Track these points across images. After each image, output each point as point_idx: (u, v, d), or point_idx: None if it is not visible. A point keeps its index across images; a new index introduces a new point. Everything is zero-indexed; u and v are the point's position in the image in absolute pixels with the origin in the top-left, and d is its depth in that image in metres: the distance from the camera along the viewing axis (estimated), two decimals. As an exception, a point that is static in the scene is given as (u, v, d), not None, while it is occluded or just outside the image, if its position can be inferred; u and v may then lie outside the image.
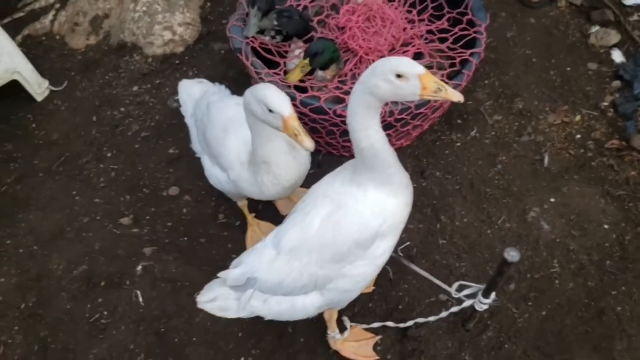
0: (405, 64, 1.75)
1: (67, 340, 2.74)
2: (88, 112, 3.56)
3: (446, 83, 2.74)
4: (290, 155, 2.31)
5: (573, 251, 2.88)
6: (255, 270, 2.14)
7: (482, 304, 2.37)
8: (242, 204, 2.88)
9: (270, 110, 2.01)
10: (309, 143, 2.02)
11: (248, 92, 2.09)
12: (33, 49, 3.87)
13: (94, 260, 2.98)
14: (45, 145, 3.44)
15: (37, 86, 3.57)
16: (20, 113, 3.58)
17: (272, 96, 2.01)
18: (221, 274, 2.25)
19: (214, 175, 2.61)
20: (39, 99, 3.61)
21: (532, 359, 2.58)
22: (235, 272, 2.19)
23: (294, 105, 2.39)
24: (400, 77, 1.74)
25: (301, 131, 2.02)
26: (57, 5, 4.02)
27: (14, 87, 3.49)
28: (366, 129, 1.88)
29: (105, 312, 2.81)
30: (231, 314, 2.27)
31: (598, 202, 3.03)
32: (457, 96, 1.79)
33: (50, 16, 3.97)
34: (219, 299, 2.27)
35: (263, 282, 2.14)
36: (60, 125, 3.52)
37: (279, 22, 3.00)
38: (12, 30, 3.78)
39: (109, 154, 3.37)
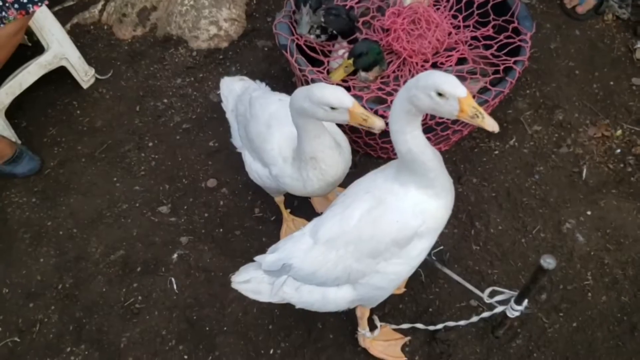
0: (447, 83, 1.75)
1: (101, 322, 2.81)
2: (132, 102, 3.63)
3: (489, 89, 2.77)
4: (336, 151, 2.34)
5: (607, 265, 2.85)
6: (291, 257, 2.16)
7: (514, 311, 2.36)
8: (279, 200, 2.91)
9: (333, 108, 2.04)
10: (379, 122, 2.03)
11: (300, 96, 2.08)
12: (81, 37, 3.95)
13: (131, 246, 3.04)
14: (89, 131, 3.51)
15: (84, 74, 3.65)
16: (66, 99, 3.66)
17: (332, 95, 2.01)
18: (257, 258, 2.27)
19: (255, 170, 2.63)
20: (84, 86, 3.69)
21: (561, 370, 2.58)
22: (271, 257, 2.21)
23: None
24: (441, 95, 1.76)
25: (369, 114, 2.04)
26: (107, -4, 4.12)
27: (62, 74, 3.57)
28: (403, 134, 1.91)
29: (139, 297, 2.87)
30: (263, 298, 2.29)
31: (635, 218, 3.00)
32: (492, 126, 1.79)
33: (99, 6, 4.05)
34: (253, 281, 2.30)
35: (298, 269, 2.15)
36: (104, 113, 3.59)
37: (326, 19, 3.02)
38: (62, 18, 3.84)
39: (150, 144, 3.43)
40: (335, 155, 2.34)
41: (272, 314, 2.78)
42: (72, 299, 2.89)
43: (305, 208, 3.08)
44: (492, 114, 3.22)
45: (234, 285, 2.32)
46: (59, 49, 3.45)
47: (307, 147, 2.26)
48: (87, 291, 2.91)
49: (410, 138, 1.90)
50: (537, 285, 2.16)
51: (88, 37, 3.98)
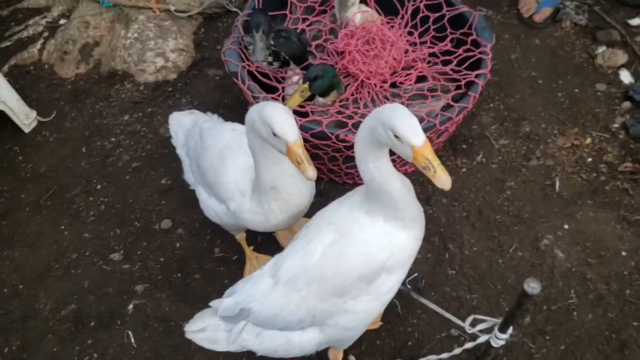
0: (405, 129, 1.63)
1: (54, 386, 2.58)
2: (77, 143, 3.43)
3: (452, 106, 2.65)
4: (298, 179, 2.15)
5: (590, 280, 2.73)
6: (250, 300, 2.00)
7: (499, 340, 2.20)
8: (240, 237, 2.73)
9: (275, 134, 1.88)
10: (312, 173, 1.87)
11: (254, 110, 1.94)
12: (21, 78, 3.77)
13: (82, 299, 2.82)
14: (33, 178, 3.30)
15: (25, 117, 3.44)
16: (7, 145, 3.46)
17: (278, 119, 1.86)
18: (213, 303, 2.11)
19: (211, 207, 2.45)
20: (26, 130, 3.48)
21: (553, 398, 2.42)
22: (228, 301, 2.05)
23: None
24: (397, 137, 1.64)
25: (304, 159, 1.87)
26: (46, 34, 3.93)
27: (1, 119, 3.37)
28: (366, 162, 1.79)
29: (95, 355, 2.65)
30: (220, 347, 2.12)
31: (614, 228, 2.89)
32: (443, 183, 1.66)
33: (38, 45, 3.87)
34: (209, 329, 2.13)
35: (257, 314, 2.00)
36: (49, 157, 3.39)
37: (276, 43, 2.88)
38: (-2, 61, 3.68)
39: (98, 186, 3.23)
40: (297, 183, 2.17)
41: (240, 362, 2.57)
42: (19, 363, 2.65)
43: (270, 244, 2.91)
44: (457, 131, 3.13)
45: (188, 335, 2.15)
46: (-5, 93, 3.24)
47: (266, 176, 2.10)
48: (36, 353, 2.67)
49: (373, 167, 1.79)
50: (522, 311, 2.01)
51: (28, 78, 3.79)
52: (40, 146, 3.45)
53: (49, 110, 3.59)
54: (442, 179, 1.65)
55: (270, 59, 2.94)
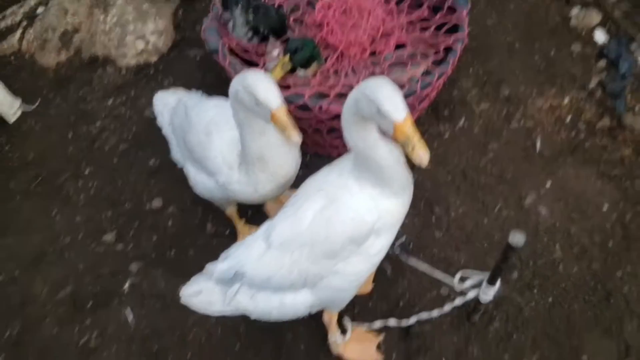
0: (388, 104, 1.68)
1: (56, 366, 2.62)
2: (63, 129, 3.45)
3: (430, 73, 2.70)
4: (284, 149, 2.21)
5: (574, 234, 2.81)
6: (244, 264, 2.05)
7: (487, 294, 2.28)
8: (231, 211, 2.77)
9: (259, 102, 1.92)
10: (296, 137, 1.94)
11: (236, 80, 1.98)
12: (2, 69, 3.77)
13: (78, 281, 2.86)
14: (21, 167, 3.32)
15: (9, 107, 3.45)
16: (-7, 136, 3.46)
17: (260, 87, 1.91)
18: (209, 266, 2.16)
19: (201, 182, 2.50)
20: (11, 120, 3.49)
21: (543, 348, 2.49)
22: (222, 265, 2.10)
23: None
24: (380, 113, 1.70)
25: (289, 125, 1.92)
26: (24, 23, 3.91)
27: (-15, 110, 3.38)
28: (350, 132, 1.84)
29: (94, 334, 2.70)
30: (216, 309, 2.17)
31: (595, 183, 2.97)
32: (420, 158, 1.71)
33: (17, 34, 3.86)
34: (204, 292, 2.18)
35: (251, 276, 2.05)
36: (36, 145, 3.40)
37: (255, 17, 2.91)
38: (-22, 53, 3.67)
39: (87, 171, 3.26)
40: (283, 153, 2.22)
41: (237, 333, 2.63)
42: (22, 345, 2.69)
43: (260, 217, 2.94)
44: (438, 97, 3.18)
45: (184, 300, 2.20)
46: (-22, 85, 3.25)
47: (252, 147, 2.14)
48: (37, 335, 2.71)
49: (357, 137, 1.84)
50: (508, 264, 2.08)
51: (9, 68, 3.79)
52: (26, 135, 3.46)
53: (33, 99, 3.59)
54: (420, 155, 1.69)
55: (250, 34, 2.97)
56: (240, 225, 2.86)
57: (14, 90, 3.58)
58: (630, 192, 2.91)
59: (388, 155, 1.88)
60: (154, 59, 3.71)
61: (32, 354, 2.66)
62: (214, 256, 2.81)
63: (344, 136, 1.88)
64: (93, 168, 3.27)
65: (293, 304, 2.11)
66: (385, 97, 1.68)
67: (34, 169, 3.30)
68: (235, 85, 1.99)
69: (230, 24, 2.96)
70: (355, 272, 2.06)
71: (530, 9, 3.75)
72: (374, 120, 1.75)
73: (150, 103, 2.91)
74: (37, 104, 3.57)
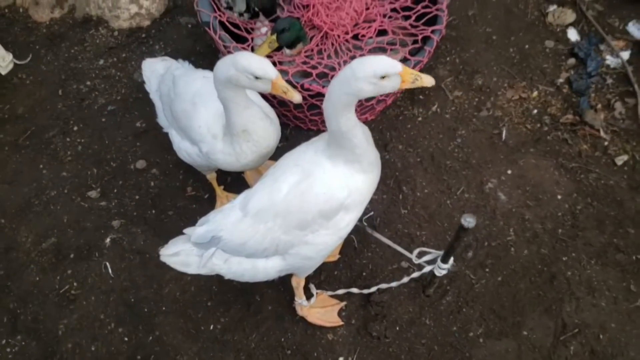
0: (387, 66, 1.88)
1: (36, 311, 2.79)
2: (53, 86, 3.55)
3: (408, 59, 2.85)
4: (267, 121, 2.38)
5: (528, 220, 3.01)
6: (220, 229, 2.20)
7: (441, 269, 2.48)
8: (211, 177, 2.93)
9: (257, 77, 2.09)
10: (298, 96, 2.15)
11: (225, 65, 2.12)
12: (-5, 22, 3.83)
13: (62, 233, 3.01)
14: (11, 119, 3.42)
15: (1, 59, 3.53)
16: (-17, 87, 3.55)
17: (256, 64, 2.09)
18: (187, 230, 2.30)
19: (184, 149, 2.64)
20: (2, 72, 3.58)
21: (488, 322, 2.72)
22: (201, 229, 2.24)
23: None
24: (384, 77, 1.88)
25: (289, 88, 2.14)
26: (20, -22, 3.97)
27: (-23, 61, 3.46)
28: (337, 118, 1.98)
29: (74, 284, 2.86)
30: (192, 270, 2.32)
31: (552, 174, 3.17)
32: (430, 81, 1.98)
33: (12, -12, 3.91)
34: (182, 254, 2.32)
35: (227, 241, 2.20)
36: (26, 99, 3.50)
37: (248, -4, 3.04)
38: (-27, 3, 3.73)
39: (75, 128, 3.37)
40: (266, 125, 2.39)
41: (210, 291, 2.81)
42: (4, 290, 2.85)
43: (238, 184, 3.11)
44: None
45: (163, 258, 2.33)
46: (-28, 35, 3.32)
47: (237, 120, 2.29)
48: (19, 281, 2.87)
49: (343, 120, 1.98)
50: (461, 244, 2.28)
51: (3, 21, 3.84)
52: (16, 88, 3.55)
53: (25, 54, 3.67)
54: (428, 80, 1.97)
55: (237, 9, 3.09)
56: (219, 190, 3.02)
57: (5, 43, 3.66)
58: (584, 185, 3.12)
59: (361, 135, 2.06)
60: (146, 23, 3.79)
61: (13, 299, 2.82)
62: (192, 218, 3.01)
63: (327, 120, 2.03)
64: (81, 126, 3.38)
65: (265, 267, 2.28)
66: (381, 64, 1.87)
67: (23, 122, 3.40)
68: (224, 70, 2.12)
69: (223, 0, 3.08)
70: (324, 242, 2.23)
71: (511, 2, 3.89)
72: (380, 89, 1.92)
73: (140, 67, 3.00)
74: (28, 59, 3.65)
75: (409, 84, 1.95)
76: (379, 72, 1.87)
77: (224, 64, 2.12)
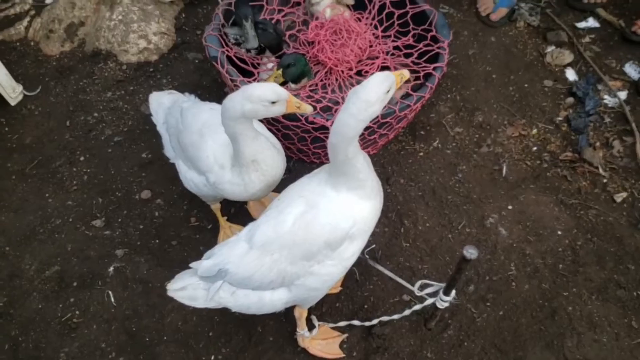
0: (388, 84, 1.97)
1: (38, 339, 2.77)
2: (61, 117, 3.61)
3: (411, 95, 2.91)
4: (274, 151, 2.44)
5: (529, 255, 3.04)
6: (227, 262, 2.20)
7: (443, 302, 2.49)
8: (215, 207, 2.96)
9: (273, 102, 2.17)
10: (310, 108, 2.26)
11: (237, 101, 2.16)
12: (7, 54, 3.90)
13: (66, 261, 3.02)
14: (18, 148, 3.47)
15: (11, 90, 3.60)
16: (-7, 117, 3.61)
17: (269, 90, 2.16)
18: (193, 264, 2.31)
19: (190, 179, 2.67)
20: (12, 103, 3.64)
21: (490, 356, 2.72)
22: (207, 262, 2.25)
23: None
24: (388, 91, 1.97)
25: (301, 102, 2.25)
26: (32, 12, 4.05)
27: (-13, 92, 3.53)
28: (346, 148, 2.01)
29: (77, 312, 2.86)
30: (199, 304, 2.31)
31: (552, 210, 3.20)
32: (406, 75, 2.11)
33: (25, 22, 4.00)
34: (189, 288, 2.31)
35: (233, 274, 2.20)
36: (34, 129, 3.56)
37: (255, 33, 3.12)
38: (-14, 36, 3.82)
39: (82, 158, 3.42)
40: (274, 154, 2.45)
41: (212, 321, 2.81)
42: (6, 317, 2.84)
43: (242, 215, 3.14)
44: (416, 118, 3.41)
45: (170, 293, 2.33)
46: (-16, 65, 3.40)
47: (246, 151, 2.33)
48: (22, 309, 2.87)
49: (352, 148, 2.02)
50: (463, 275, 2.30)
51: (14, 54, 3.92)
52: (25, 118, 3.60)
53: (35, 85, 3.74)
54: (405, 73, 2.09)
55: (248, 46, 3.18)
56: (222, 221, 3.04)
57: (17, 75, 3.73)
58: (584, 221, 3.15)
59: (363, 161, 2.11)
60: (154, 58, 3.88)
61: (15, 326, 2.81)
62: (195, 248, 3.03)
63: (335, 150, 2.03)
64: (87, 156, 3.42)
65: (271, 299, 2.29)
66: (376, 87, 1.94)
67: (31, 152, 3.44)
68: (237, 107, 2.17)
69: (231, 37, 3.16)
70: (329, 273, 2.24)
71: (510, 42, 4.00)
72: (379, 112, 1.98)
73: (147, 99, 3.05)
74: (38, 90, 3.72)
75: (400, 83, 2.08)
76: (384, 91, 1.96)
77: (236, 101, 2.17)
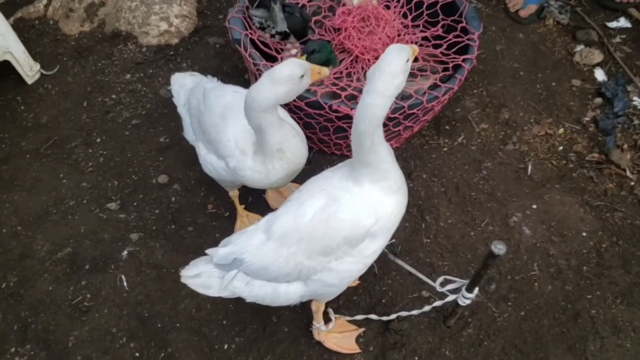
0: (400, 54, 1.88)
1: (47, 321, 2.72)
2: (79, 98, 3.56)
3: (439, 86, 2.84)
4: (298, 138, 2.37)
5: (552, 256, 2.96)
6: (243, 251, 2.14)
7: (465, 299, 2.42)
8: (234, 194, 2.89)
9: (302, 76, 2.12)
10: (327, 70, 2.24)
11: (265, 90, 2.10)
12: (25, 32, 3.86)
13: (78, 243, 2.97)
14: (34, 127, 3.42)
15: (29, 69, 3.55)
16: (10, 95, 3.56)
17: (295, 65, 2.11)
18: (209, 251, 2.25)
19: (210, 162, 2.60)
20: (29, 81, 3.60)
21: (510, 357, 2.64)
22: (223, 250, 2.19)
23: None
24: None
25: (317, 67, 2.23)
26: (53, -10, 4.03)
27: (5, 69, 3.48)
28: (374, 132, 1.92)
29: (88, 295, 2.80)
30: (213, 292, 2.25)
31: (577, 211, 3.12)
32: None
33: (44, 1, 3.96)
34: (203, 275, 2.25)
35: (249, 264, 2.14)
36: (50, 108, 3.51)
37: (280, 17, 3.06)
38: (5, 12, 3.71)
39: (98, 140, 3.37)
40: (298, 142, 2.38)
41: (226, 309, 2.75)
42: (16, 297, 2.79)
43: (259, 204, 3.08)
44: (441, 112, 3.33)
45: (184, 280, 2.27)
46: (3, 42, 3.35)
47: (272, 140, 2.26)
48: (32, 290, 2.82)
49: (377, 133, 1.93)
50: (488, 272, 2.22)
51: (33, 32, 3.88)
52: (42, 98, 3.56)
53: (52, 65, 3.69)
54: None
55: (273, 30, 3.11)
56: (240, 209, 2.98)
57: (34, 53, 3.69)
58: (609, 223, 3.07)
59: (387, 151, 2.03)
60: (175, 41, 3.82)
61: (25, 307, 2.76)
62: (211, 235, 2.97)
63: (360, 139, 1.94)
64: (104, 138, 3.37)
65: (286, 292, 2.22)
66: (392, 57, 1.86)
67: (46, 131, 3.40)
68: (267, 94, 2.09)
69: (256, 20, 3.09)
70: (348, 270, 2.16)
71: (538, 40, 3.92)
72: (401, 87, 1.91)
73: (166, 83, 3.01)
74: (55, 69, 3.67)
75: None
76: (404, 62, 1.89)
77: (265, 89, 2.10)
